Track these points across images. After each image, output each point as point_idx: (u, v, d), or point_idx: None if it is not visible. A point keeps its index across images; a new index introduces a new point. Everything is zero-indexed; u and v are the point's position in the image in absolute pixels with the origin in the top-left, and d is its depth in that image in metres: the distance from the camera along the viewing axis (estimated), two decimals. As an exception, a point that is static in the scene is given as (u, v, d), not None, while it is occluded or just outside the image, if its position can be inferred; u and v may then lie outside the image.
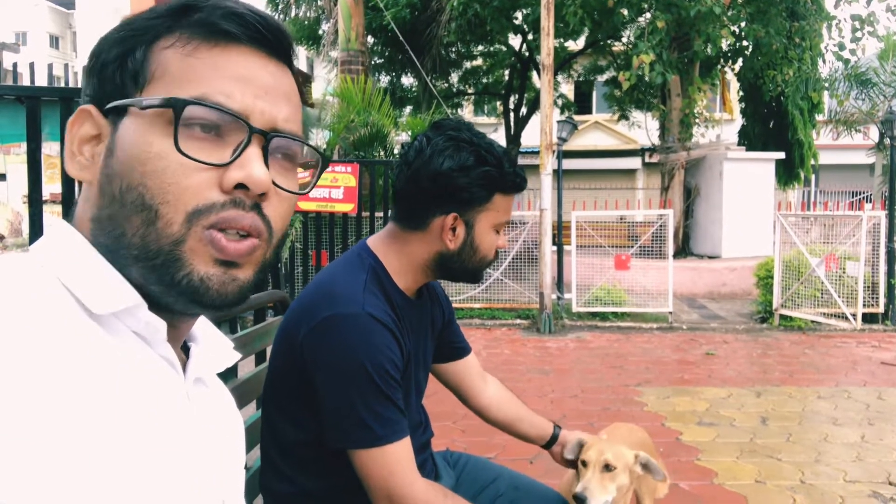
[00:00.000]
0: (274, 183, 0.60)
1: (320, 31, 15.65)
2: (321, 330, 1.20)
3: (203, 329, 0.70)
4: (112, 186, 0.57)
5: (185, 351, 0.68)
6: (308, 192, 0.67)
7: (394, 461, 1.18)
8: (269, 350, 2.15)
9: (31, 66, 5.56)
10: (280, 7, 15.44)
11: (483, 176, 1.28)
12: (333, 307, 1.21)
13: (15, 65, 5.60)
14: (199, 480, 0.59)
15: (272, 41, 0.61)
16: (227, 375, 1.66)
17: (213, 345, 0.70)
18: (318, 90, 13.56)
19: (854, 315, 7.51)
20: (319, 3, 14.57)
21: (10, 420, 0.44)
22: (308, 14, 15.73)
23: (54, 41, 40.46)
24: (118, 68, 0.59)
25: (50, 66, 4.96)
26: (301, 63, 23.83)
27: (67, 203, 2.65)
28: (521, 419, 1.68)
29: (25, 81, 6.11)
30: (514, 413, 1.68)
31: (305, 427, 1.28)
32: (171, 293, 0.57)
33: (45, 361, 0.47)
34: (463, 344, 1.66)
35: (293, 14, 15.70)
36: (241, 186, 0.57)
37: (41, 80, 8.03)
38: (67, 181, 2.70)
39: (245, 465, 1.62)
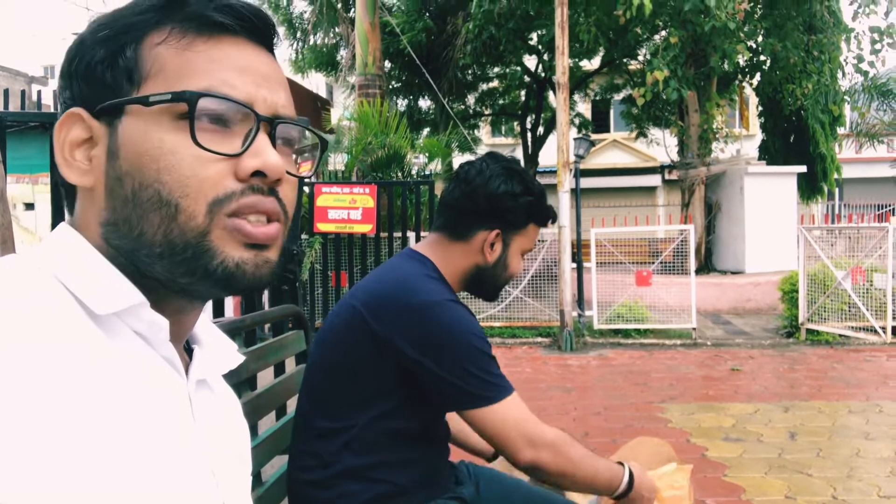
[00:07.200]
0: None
1: (338, 58, 15.89)
2: (417, 315, 1.32)
3: (206, 331, 0.70)
4: (123, 188, 0.56)
5: (188, 353, 0.68)
6: (312, 174, 0.68)
7: (521, 408, 1.32)
8: (287, 362, 2.16)
9: (55, 94, 5.69)
10: (297, 35, 15.72)
11: (526, 204, 1.49)
12: (420, 294, 1.34)
13: (39, 93, 5.73)
14: (199, 483, 0.58)
15: (263, 31, 0.62)
16: (244, 388, 1.66)
17: (216, 347, 0.70)
18: (336, 116, 13.73)
19: (883, 328, 7.33)
20: (337, 29, 14.79)
21: (9, 422, 0.44)
22: (326, 41, 15.98)
23: (81, 74, 41.34)
24: (108, 68, 0.58)
25: (73, 95, 5.07)
26: (320, 89, 24.16)
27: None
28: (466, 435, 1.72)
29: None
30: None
31: (372, 405, 1.35)
32: (204, 282, 0.58)
33: (43, 363, 0.46)
34: None
35: (311, 41, 15.96)
36: (256, 174, 0.58)
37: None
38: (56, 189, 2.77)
39: (262, 478, 1.63)
